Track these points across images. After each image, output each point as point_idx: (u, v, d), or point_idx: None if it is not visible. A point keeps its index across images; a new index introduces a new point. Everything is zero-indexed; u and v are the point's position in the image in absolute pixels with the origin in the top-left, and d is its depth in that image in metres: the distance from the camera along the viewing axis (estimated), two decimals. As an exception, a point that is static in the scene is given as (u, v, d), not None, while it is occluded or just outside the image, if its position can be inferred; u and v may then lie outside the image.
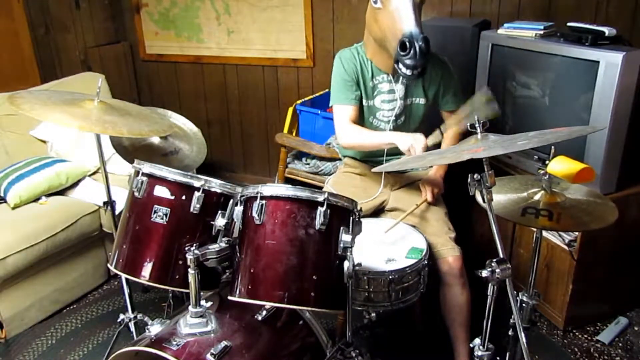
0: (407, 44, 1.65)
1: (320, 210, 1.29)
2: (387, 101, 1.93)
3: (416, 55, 1.65)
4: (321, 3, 3.11)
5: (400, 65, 1.71)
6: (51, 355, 2.19)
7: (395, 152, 1.92)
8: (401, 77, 1.88)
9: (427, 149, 1.71)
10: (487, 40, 2.34)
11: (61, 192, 2.59)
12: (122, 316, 1.93)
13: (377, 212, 2.02)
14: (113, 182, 1.92)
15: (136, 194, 1.43)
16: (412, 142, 1.72)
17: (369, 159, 2.06)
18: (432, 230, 1.84)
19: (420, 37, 1.65)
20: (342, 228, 1.33)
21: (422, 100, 1.96)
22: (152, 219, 1.40)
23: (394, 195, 2.02)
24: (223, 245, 1.39)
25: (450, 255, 1.79)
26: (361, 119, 1.96)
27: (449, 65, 1.99)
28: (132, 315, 1.92)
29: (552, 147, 1.50)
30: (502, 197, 1.50)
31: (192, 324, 1.36)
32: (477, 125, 1.35)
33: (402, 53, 1.67)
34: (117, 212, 1.90)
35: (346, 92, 1.91)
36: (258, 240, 1.31)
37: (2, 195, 2.45)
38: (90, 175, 2.70)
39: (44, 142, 2.86)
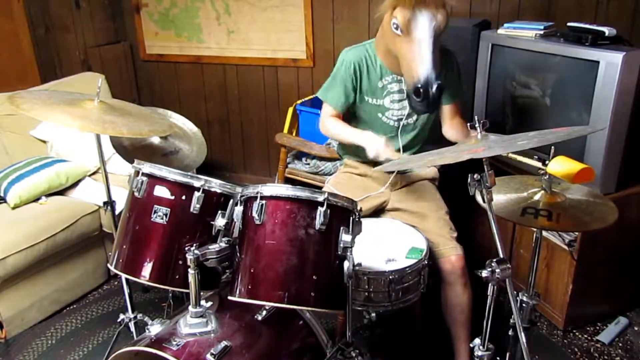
0: (422, 91, 1.63)
1: (320, 210, 1.29)
2: (396, 101, 1.92)
3: (428, 104, 1.64)
4: (321, 3, 3.11)
5: (412, 101, 1.71)
6: (51, 355, 2.19)
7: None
8: None
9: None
10: (487, 40, 2.34)
11: (61, 192, 2.59)
12: (122, 316, 1.93)
13: (377, 212, 2.02)
14: (113, 182, 1.92)
15: (136, 194, 1.43)
16: (377, 150, 1.71)
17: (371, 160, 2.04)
18: (434, 230, 1.84)
19: (435, 84, 1.61)
20: (342, 228, 1.33)
21: None
22: (152, 219, 1.40)
23: (395, 195, 2.01)
24: (223, 245, 1.39)
25: (453, 254, 1.79)
26: (370, 115, 1.95)
27: (454, 56, 1.95)
28: (132, 315, 1.92)
29: (552, 147, 1.50)
30: (502, 197, 1.50)
31: (192, 324, 1.36)
32: (477, 125, 1.35)
33: (416, 98, 1.65)
34: (117, 212, 1.90)
35: (336, 94, 1.92)
36: (258, 240, 1.31)
37: (2, 195, 2.45)
38: (90, 175, 2.70)
39: (44, 142, 2.85)
